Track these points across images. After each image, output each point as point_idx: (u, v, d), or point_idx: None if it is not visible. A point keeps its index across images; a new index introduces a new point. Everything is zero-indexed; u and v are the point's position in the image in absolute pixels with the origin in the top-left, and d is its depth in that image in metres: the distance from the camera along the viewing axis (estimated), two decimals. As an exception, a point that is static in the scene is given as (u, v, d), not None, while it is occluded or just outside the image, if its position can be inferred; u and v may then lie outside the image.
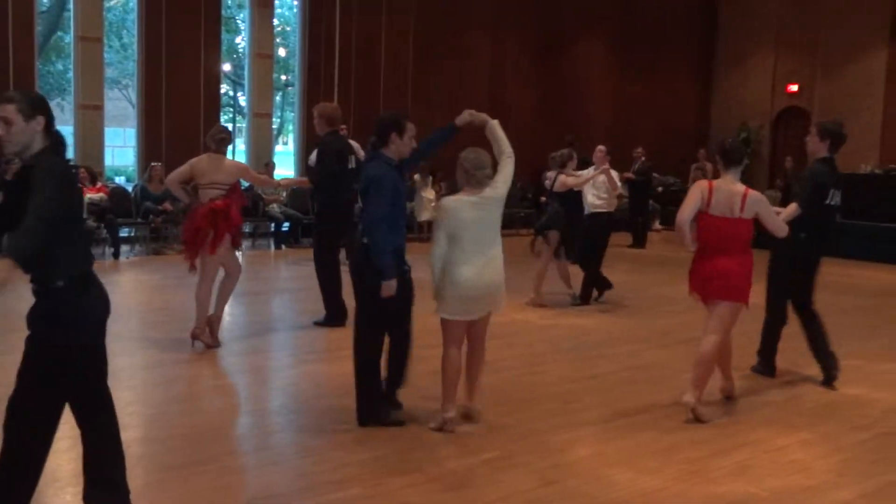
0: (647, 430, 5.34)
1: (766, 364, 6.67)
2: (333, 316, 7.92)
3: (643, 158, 15.03)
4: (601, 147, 9.65)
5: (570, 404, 5.82)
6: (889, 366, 7.16)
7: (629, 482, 4.50)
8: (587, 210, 9.35)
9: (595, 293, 9.54)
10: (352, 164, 8.20)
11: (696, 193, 5.55)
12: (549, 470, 4.63)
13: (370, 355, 5.18)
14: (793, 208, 6.14)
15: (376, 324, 5.18)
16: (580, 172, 9.42)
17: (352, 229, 7.47)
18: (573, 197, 9.24)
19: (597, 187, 9.33)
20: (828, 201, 6.28)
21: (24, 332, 3.50)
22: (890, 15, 18.08)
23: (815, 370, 6.61)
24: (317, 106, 8.37)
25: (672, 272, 9.72)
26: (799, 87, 19.52)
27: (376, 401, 5.20)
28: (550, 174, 9.41)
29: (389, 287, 4.97)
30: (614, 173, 9.44)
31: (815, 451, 5.10)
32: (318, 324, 8.00)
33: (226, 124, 24.33)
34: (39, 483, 3.59)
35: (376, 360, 5.21)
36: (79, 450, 3.70)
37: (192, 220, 7.00)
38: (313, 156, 8.87)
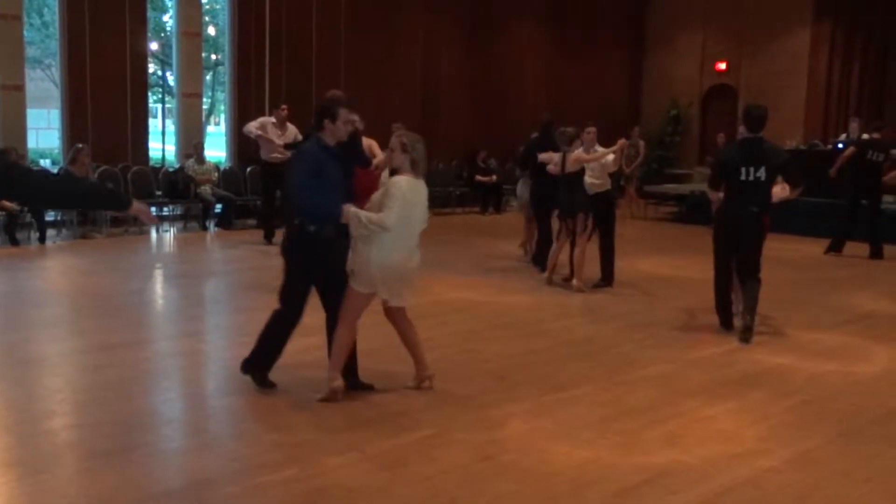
0: (581, 404, 5.43)
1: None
2: None
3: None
4: (591, 129, 9.14)
5: (505, 380, 5.88)
6: (813, 336, 7.39)
7: (564, 455, 4.57)
8: (588, 192, 9.10)
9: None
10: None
11: None
12: (485, 445, 4.67)
13: (290, 323, 5.47)
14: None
15: (302, 296, 5.43)
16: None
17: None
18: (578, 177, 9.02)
19: (591, 168, 9.07)
20: (742, 178, 6.94)
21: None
22: (813, -6, 18.53)
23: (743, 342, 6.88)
24: None
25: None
26: (727, 66, 19.90)
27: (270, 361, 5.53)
28: (553, 156, 9.15)
29: (347, 211, 5.12)
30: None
31: (743, 419, 5.24)
32: None
33: (154, 105, 23.87)
34: None
35: (291, 328, 5.50)
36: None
37: None
38: None
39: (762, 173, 6.91)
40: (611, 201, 9.51)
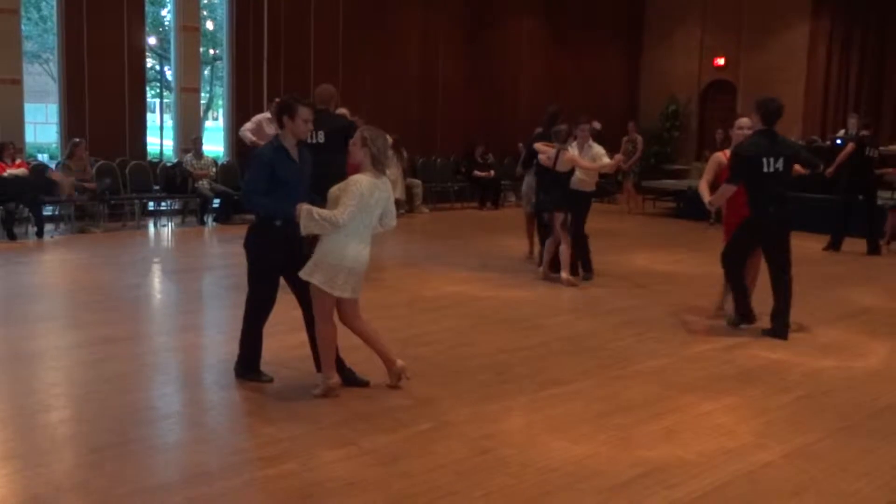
0: (579, 399, 5.44)
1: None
2: None
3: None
4: (585, 125, 9.30)
5: (503, 375, 5.89)
6: (810, 331, 7.41)
7: (561, 449, 4.57)
8: (573, 186, 9.18)
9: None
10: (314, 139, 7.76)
11: (712, 165, 7.57)
12: (482, 440, 4.68)
13: (262, 314, 5.59)
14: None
15: (269, 288, 5.51)
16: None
17: None
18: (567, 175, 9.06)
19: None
20: (765, 170, 6.96)
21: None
22: (812, -11, 18.51)
23: (740, 338, 6.97)
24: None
25: (599, 245, 9.84)
26: (725, 61, 19.88)
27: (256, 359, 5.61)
28: (549, 149, 9.12)
29: (300, 209, 5.08)
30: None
31: (740, 414, 5.25)
32: None
33: (152, 100, 23.84)
34: None
35: (264, 319, 5.59)
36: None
37: None
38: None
39: (780, 164, 7.00)
40: (589, 199, 9.56)
